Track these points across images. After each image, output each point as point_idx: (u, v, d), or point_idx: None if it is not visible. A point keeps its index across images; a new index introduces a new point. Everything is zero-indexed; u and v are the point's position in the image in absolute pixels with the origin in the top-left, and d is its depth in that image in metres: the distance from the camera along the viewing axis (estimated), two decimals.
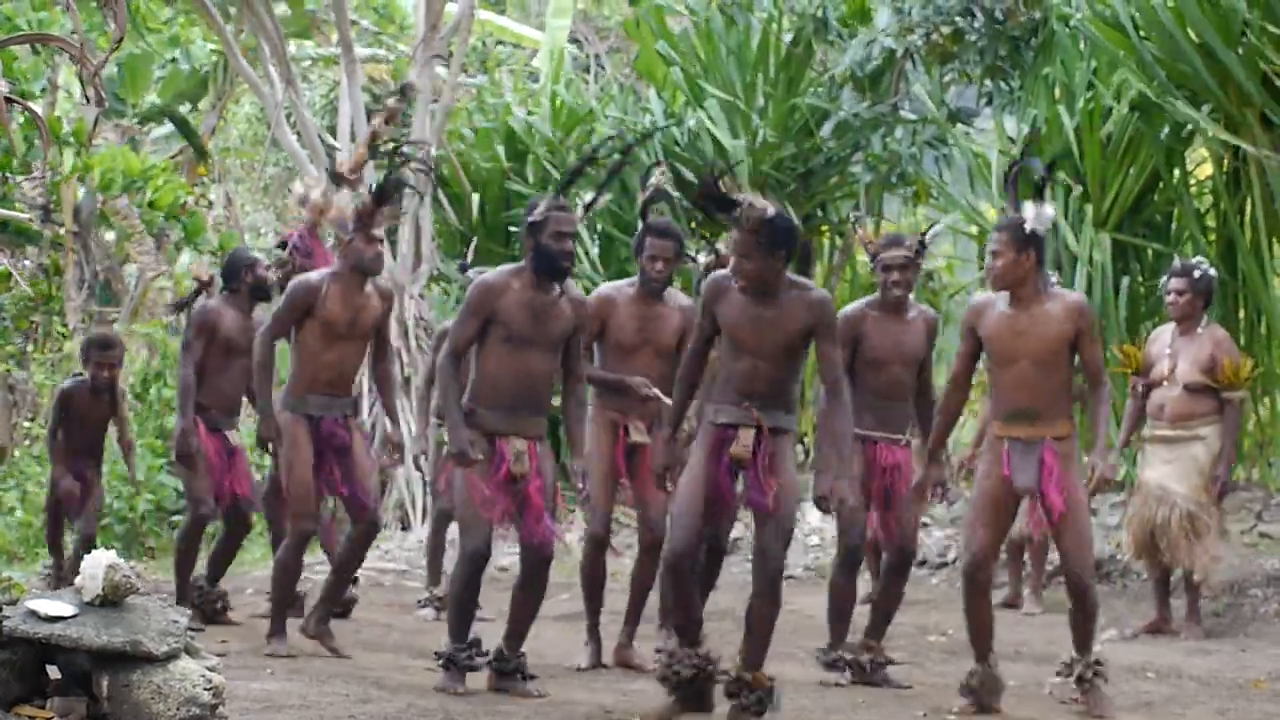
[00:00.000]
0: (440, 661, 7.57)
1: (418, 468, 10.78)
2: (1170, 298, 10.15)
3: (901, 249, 8.33)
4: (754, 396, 6.98)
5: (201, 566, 9.89)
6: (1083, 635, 7.54)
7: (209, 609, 9.59)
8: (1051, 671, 7.87)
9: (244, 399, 9.82)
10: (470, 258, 11.39)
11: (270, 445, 8.63)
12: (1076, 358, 7.44)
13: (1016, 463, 7.39)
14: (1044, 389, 7.37)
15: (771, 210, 6.87)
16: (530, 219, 7.45)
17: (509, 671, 7.62)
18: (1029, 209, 7.37)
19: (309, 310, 8.42)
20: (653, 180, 8.72)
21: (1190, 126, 12.69)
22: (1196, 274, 10.11)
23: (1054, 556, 10.65)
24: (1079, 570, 7.40)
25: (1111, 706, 7.53)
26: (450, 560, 11.10)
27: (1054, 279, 8.40)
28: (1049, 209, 7.42)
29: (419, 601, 10.74)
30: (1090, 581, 7.45)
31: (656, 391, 8.43)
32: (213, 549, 9.91)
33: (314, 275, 8.61)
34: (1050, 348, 7.34)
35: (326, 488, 8.59)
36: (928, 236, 8.61)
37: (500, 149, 17.30)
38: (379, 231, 8.45)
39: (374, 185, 8.62)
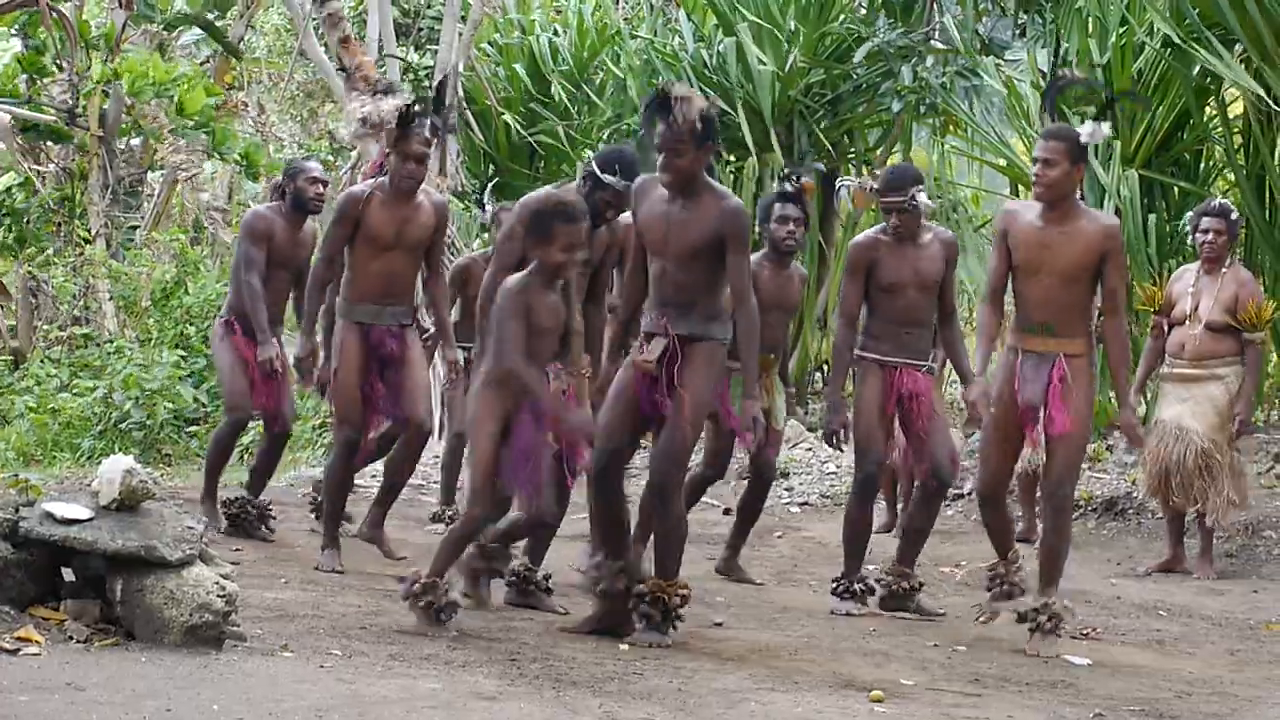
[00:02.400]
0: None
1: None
2: (1209, 237, 10.03)
3: (900, 195, 8.21)
4: (667, 303, 6.96)
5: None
6: (1050, 565, 7.49)
7: (248, 522, 9.49)
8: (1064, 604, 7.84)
9: (287, 309, 9.75)
10: (489, 194, 11.21)
11: (301, 365, 8.64)
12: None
13: (1027, 375, 7.41)
14: (1064, 305, 7.37)
15: (705, 103, 6.87)
16: (600, 174, 7.38)
17: (533, 588, 7.65)
18: (1086, 124, 7.35)
19: (358, 222, 8.44)
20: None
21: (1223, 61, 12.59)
22: (1232, 215, 10.09)
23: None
24: (1059, 479, 7.41)
25: (1054, 649, 7.48)
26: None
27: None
28: (1106, 127, 7.40)
29: (431, 517, 10.76)
30: (1069, 494, 7.47)
31: None
32: (254, 461, 9.86)
33: (359, 187, 8.68)
34: (1077, 265, 7.31)
35: (370, 400, 8.59)
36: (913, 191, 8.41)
37: (523, 68, 17.22)
38: (417, 148, 8.41)
39: (399, 109, 8.53)
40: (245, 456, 13.54)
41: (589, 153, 15.96)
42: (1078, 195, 7.41)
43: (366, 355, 8.51)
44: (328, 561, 8.48)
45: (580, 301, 7.49)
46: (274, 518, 9.62)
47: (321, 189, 9.47)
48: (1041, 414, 7.42)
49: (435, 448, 14.06)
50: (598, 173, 7.42)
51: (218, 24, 19.96)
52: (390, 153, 8.46)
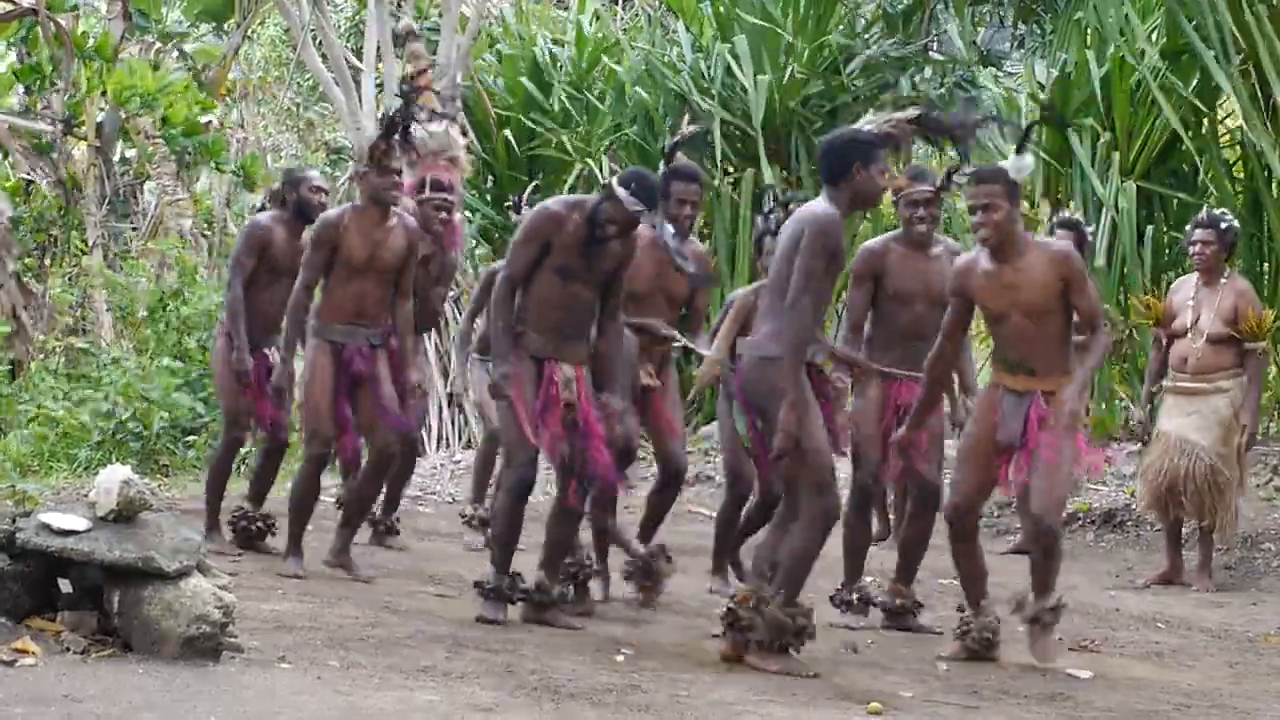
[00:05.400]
0: (480, 591, 7.51)
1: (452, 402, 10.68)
2: (1196, 248, 10.08)
3: (925, 183, 8.23)
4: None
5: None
6: (1041, 578, 7.33)
7: (248, 532, 9.45)
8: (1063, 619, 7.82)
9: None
10: (525, 198, 10.96)
11: (279, 391, 8.83)
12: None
13: (1005, 414, 7.26)
14: (1039, 341, 7.21)
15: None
16: (615, 187, 7.35)
17: (550, 602, 7.60)
18: (1010, 159, 7.26)
19: (335, 246, 8.46)
20: (684, 129, 8.55)
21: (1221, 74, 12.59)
22: (1223, 225, 10.06)
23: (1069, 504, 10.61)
24: (1041, 511, 7.18)
25: (1055, 651, 7.43)
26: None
27: (1089, 229, 8.29)
28: (1029, 158, 7.27)
29: (461, 515, 10.66)
30: (1052, 525, 7.22)
31: (675, 333, 8.40)
32: (253, 471, 9.83)
33: (334, 211, 8.70)
34: (1040, 299, 7.15)
35: (340, 418, 8.58)
36: (956, 173, 8.40)
37: (524, 79, 17.22)
38: (395, 163, 8.46)
39: (381, 120, 8.59)
40: (241, 467, 13.52)
41: (589, 161, 15.98)
42: (1022, 229, 7.25)
43: (337, 373, 8.54)
44: (292, 566, 8.52)
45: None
46: (276, 532, 9.59)
47: (324, 197, 9.48)
48: (1018, 456, 7.25)
49: (433, 458, 14.08)
50: (614, 185, 7.36)
51: (214, 33, 19.96)
52: (367, 170, 8.49)
